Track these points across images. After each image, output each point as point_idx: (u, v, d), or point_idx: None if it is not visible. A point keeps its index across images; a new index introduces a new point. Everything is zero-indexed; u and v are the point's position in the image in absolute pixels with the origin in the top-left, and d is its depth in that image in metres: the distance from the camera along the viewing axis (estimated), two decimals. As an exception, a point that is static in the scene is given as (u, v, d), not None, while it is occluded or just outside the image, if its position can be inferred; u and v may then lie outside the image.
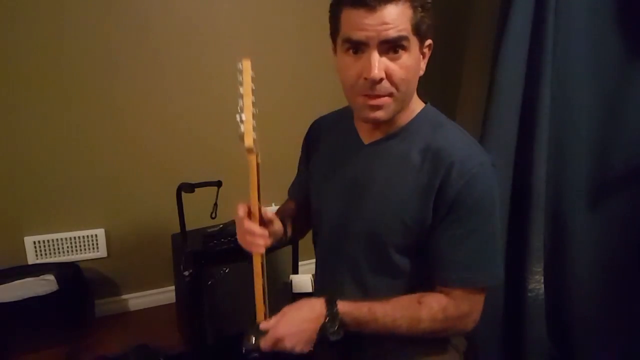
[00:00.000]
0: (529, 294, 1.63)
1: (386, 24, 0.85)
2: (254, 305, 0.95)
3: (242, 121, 0.85)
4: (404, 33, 0.86)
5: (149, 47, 2.03)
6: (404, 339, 0.96)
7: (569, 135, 1.57)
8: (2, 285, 1.84)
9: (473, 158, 0.92)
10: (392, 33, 0.86)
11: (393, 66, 0.88)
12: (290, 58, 2.26)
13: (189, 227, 1.92)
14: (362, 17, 0.85)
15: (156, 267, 2.26)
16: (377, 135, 1.01)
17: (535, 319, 1.65)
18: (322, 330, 0.91)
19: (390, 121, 0.97)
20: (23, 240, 2.02)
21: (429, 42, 0.94)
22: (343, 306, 0.92)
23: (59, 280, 1.92)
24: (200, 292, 1.82)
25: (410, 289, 0.98)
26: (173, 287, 2.19)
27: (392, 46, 0.87)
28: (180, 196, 1.85)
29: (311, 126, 1.22)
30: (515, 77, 1.54)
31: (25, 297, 1.85)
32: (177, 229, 1.92)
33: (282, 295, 1.99)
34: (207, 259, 1.83)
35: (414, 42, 0.89)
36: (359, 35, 0.87)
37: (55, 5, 1.85)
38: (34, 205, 2.02)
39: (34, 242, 2.04)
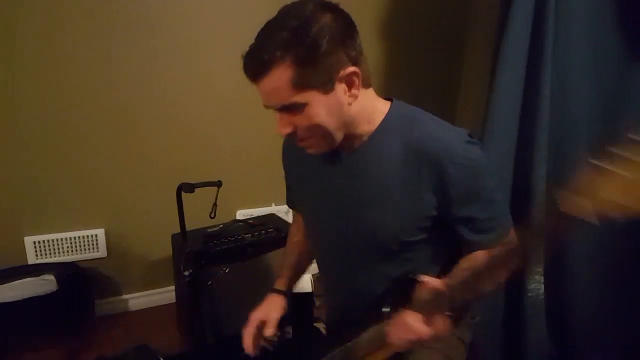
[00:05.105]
0: (529, 294, 1.64)
1: (268, 94, 0.88)
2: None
3: None
4: (286, 102, 0.87)
5: (149, 47, 2.02)
6: None
7: (569, 135, 1.57)
8: (2, 285, 1.84)
9: (457, 147, 0.93)
10: (275, 103, 0.88)
11: (298, 120, 0.90)
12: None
13: (189, 227, 1.92)
14: (256, 86, 0.89)
15: (156, 267, 2.26)
16: (353, 147, 1.01)
17: (535, 319, 1.65)
18: None
19: (352, 136, 0.97)
20: (23, 240, 2.02)
21: (348, 71, 0.88)
22: None
23: (59, 280, 1.92)
24: (200, 292, 1.82)
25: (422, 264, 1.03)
26: (173, 287, 2.18)
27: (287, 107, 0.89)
28: (180, 196, 1.84)
29: (284, 145, 1.21)
30: (515, 77, 1.55)
31: (25, 297, 1.85)
32: (177, 229, 1.92)
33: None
34: (207, 259, 1.83)
35: (308, 96, 0.86)
36: (263, 100, 0.91)
37: (54, 4, 1.85)
38: (34, 205, 2.02)
39: (34, 242, 2.04)
